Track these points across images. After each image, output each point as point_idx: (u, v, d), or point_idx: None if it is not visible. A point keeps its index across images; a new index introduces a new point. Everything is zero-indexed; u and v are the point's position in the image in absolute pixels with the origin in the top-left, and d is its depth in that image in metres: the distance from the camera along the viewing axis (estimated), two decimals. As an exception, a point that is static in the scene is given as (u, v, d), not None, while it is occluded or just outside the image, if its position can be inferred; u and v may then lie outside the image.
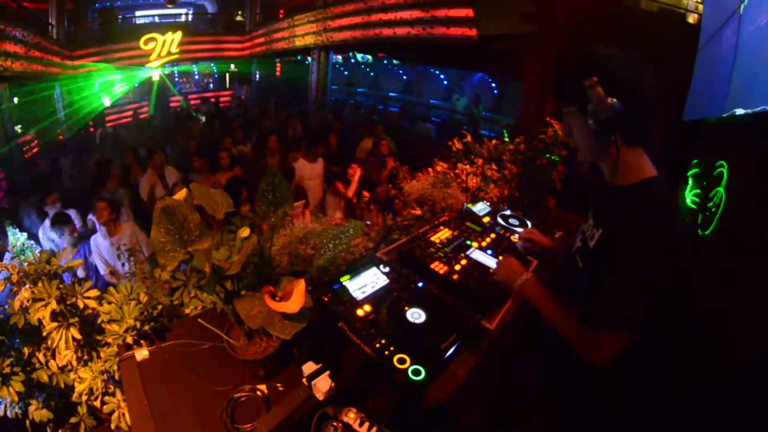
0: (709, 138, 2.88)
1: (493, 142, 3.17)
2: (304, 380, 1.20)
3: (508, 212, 2.49)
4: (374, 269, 1.60)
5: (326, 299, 1.45)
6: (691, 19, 4.13)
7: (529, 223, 2.39)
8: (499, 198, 3.07)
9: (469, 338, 1.37)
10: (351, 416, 1.15)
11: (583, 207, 1.56)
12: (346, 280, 1.53)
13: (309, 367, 1.20)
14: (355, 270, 1.58)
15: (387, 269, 1.62)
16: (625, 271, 1.11)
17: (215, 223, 1.50)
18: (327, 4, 9.37)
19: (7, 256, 3.63)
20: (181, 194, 1.36)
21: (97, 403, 1.56)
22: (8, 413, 1.57)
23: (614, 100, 1.08)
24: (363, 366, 1.29)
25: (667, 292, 1.13)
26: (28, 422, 1.58)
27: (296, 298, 1.00)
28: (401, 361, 1.19)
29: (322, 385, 1.16)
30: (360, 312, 1.38)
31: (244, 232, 1.21)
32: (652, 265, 1.09)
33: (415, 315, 1.35)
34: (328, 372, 1.19)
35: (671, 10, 4.19)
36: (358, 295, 1.48)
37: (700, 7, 3.98)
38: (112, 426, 1.53)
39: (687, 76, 3.06)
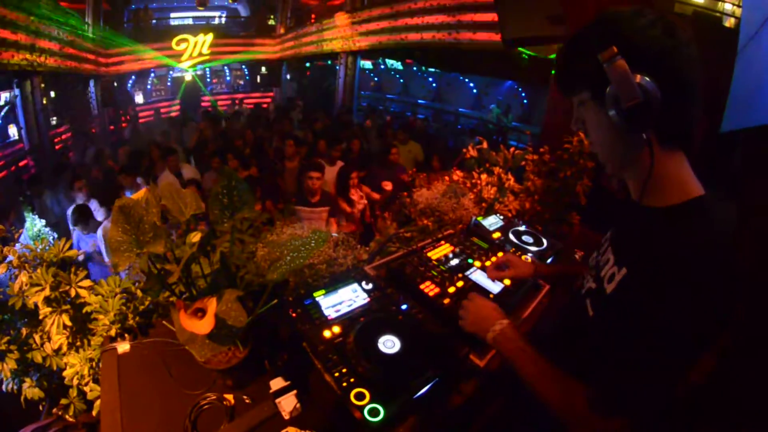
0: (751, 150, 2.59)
1: (512, 150, 2.96)
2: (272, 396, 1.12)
3: (522, 228, 2.28)
4: (354, 285, 1.42)
5: (294, 315, 1.29)
6: (728, 23, 3.81)
7: (545, 241, 2.17)
8: (519, 211, 2.85)
9: (451, 376, 1.16)
10: (311, 442, 1.02)
11: (610, 225, 1.32)
12: (320, 296, 1.36)
13: (277, 383, 1.13)
14: (331, 285, 1.40)
15: (370, 286, 1.44)
16: (660, 341, 0.76)
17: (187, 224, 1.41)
18: (355, 9, 9.34)
19: (23, 237, 3.73)
20: (139, 194, 1.28)
21: (87, 389, 1.58)
22: (3, 388, 1.64)
23: (645, 78, 0.75)
24: (328, 392, 1.13)
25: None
26: (22, 399, 1.64)
27: (207, 318, 0.85)
28: (360, 396, 1.01)
29: (287, 404, 1.09)
30: (327, 333, 1.21)
31: (195, 237, 1.07)
32: (699, 335, 0.76)
33: (388, 343, 1.15)
34: (295, 391, 1.11)
35: (707, 13, 3.88)
36: (331, 313, 1.30)
37: (738, 11, 3.68)
38: (93, 413, 1.54)
39: (725, 84, 2.78)
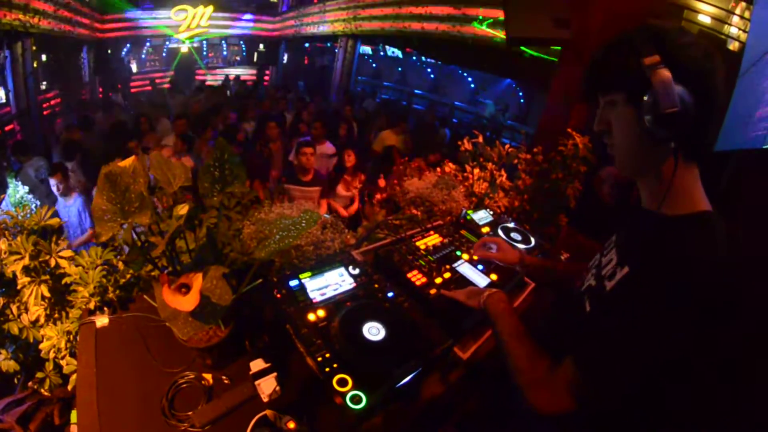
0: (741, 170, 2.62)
1: (507, 147, 2.96)
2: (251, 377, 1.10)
3: (511, 224, 2.28)
4: (341, 269, 1.41)
5: (279, 296, 1.27)
6: (732, 46, 3.86)
7: (533, 239, 2.18)
8: (508, 209, 2.85)
9: (435, 367, 1.16)
10: (291, 426, 1.00)
11: (596, 230, 1.31)
12: (305, 278, 1.34)
13: (257, 365, 1.11)
14: (318, 268, 1.39)
15: (357, 271, 1.43)
16: (650, 335, 0.79)
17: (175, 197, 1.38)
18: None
19: (4, 203, 3.63)
20: (126, 162, 1.23)
21: (64, 363, 1.55)
22: None
23: (683, 89, 0.78)
24: (309, 376, 1.12)
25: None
26: None
27: (192, 295, 0.83)
28: (342, 382, 1.00)
29: (266, 386, 1.07)
30: (311, 316, 1.19)
31: (182, 209, 1.05)
32: (691, 335, 0.79)
33: (373, 330, 1.15)
34: (275, 374, 1.09)
35: (712, 34, 3.92)
36: (316, 296, 1.29)
37: (743, 36, 3.72)
38: (69, 387, 1.51)
39: (723, 105, 2.80)
